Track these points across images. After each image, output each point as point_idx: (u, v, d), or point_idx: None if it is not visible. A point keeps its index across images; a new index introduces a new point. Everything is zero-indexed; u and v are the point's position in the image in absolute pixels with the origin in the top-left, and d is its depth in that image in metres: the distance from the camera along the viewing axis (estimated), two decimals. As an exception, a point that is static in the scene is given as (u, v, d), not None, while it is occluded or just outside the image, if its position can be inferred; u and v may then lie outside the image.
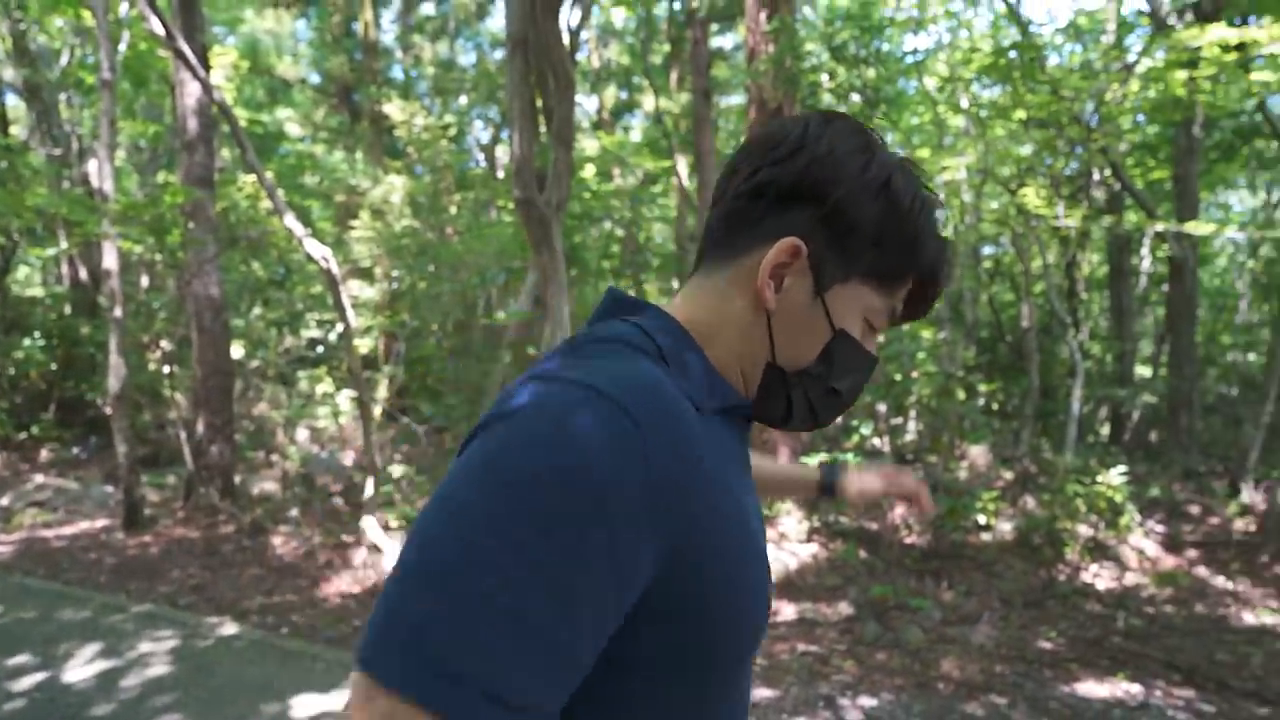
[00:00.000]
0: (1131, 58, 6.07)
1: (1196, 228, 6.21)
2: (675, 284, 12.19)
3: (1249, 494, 6.76)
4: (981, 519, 5.65)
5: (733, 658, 0.62)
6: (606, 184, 10.48)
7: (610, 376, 0.55)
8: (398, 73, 15.59)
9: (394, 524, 5.59)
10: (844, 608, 4.31)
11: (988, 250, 10.40)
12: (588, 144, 11.48)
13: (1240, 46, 4.09)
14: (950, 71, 6.54)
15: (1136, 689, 3.48)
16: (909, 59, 7.61)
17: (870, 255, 0.66)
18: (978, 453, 7.28)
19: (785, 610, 4.24)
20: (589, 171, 10.15)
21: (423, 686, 0.47)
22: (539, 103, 6.80)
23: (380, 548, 5.15)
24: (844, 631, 4.02)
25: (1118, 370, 9.66)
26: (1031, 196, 5.82)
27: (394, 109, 9.27)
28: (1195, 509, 6.46)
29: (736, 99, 13.33)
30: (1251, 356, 14.66)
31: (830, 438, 6.85)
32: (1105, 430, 10.23)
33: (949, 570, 5.02)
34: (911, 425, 8.01)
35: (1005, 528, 5.71)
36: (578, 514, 0.50)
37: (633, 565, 0.52)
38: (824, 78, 6.34)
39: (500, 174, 12.08)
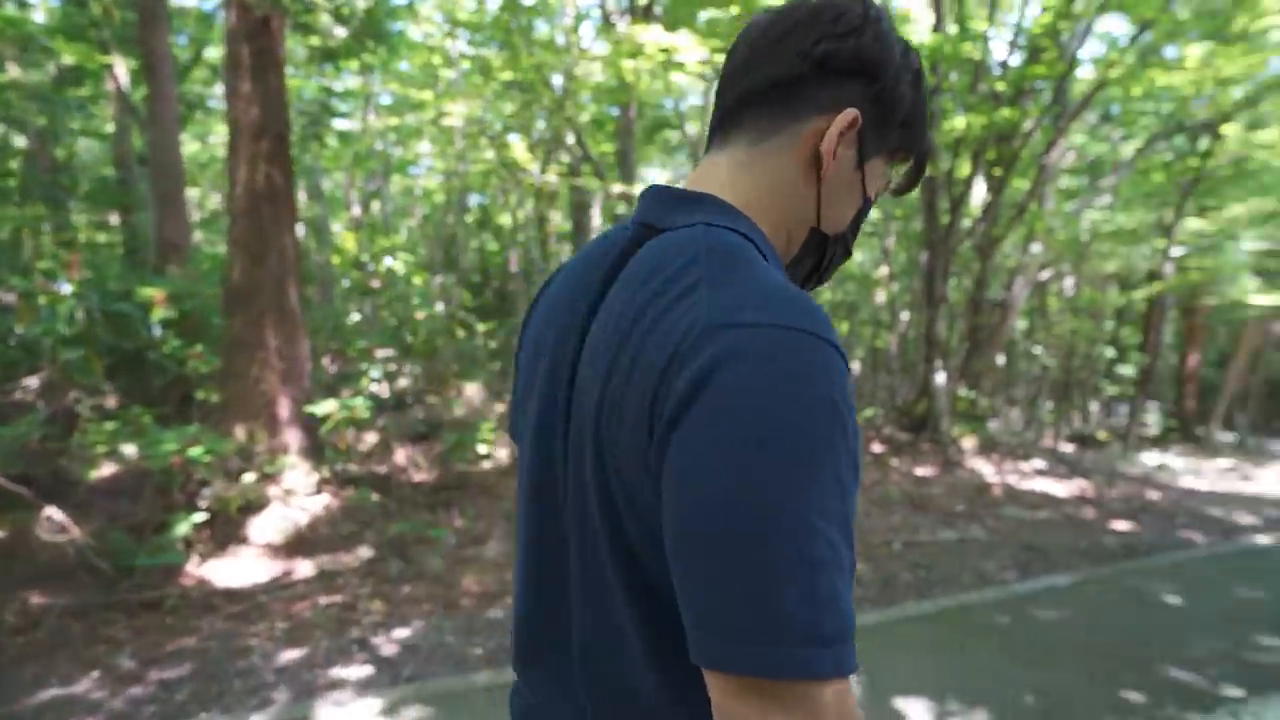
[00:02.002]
0: (586, 44, 7.14)
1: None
2: (115, 218, 9.88)
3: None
4: (482, 449, 6.17)
5: None
6: (-2, 73, 7.80)
7: (802, 310, 0.56)
8: None
9: None
10: (365, 552, 4.27)
11: (474, 200, 11.12)
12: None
13: (667, 50, 5.20)
14: (442, 23, 6.69)
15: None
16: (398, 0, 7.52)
17: (896, 133, 0.71)
18: (473, 390, 7.86)
19: (301, 567, 3.99)
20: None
21: (839, 662, 0.50)
22: None
23: None
24: (368, 575, 3.99)
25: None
26: (517, 151, 6.40)
27: None
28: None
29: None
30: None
31: (329, 386, 6.56)
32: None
33: (459, 499, 5.37)
34: (408, 368, 8.20)
35: (503, 454, 6.36)
36: (840, 455, 0.53)
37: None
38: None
39: None
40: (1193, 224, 11.26)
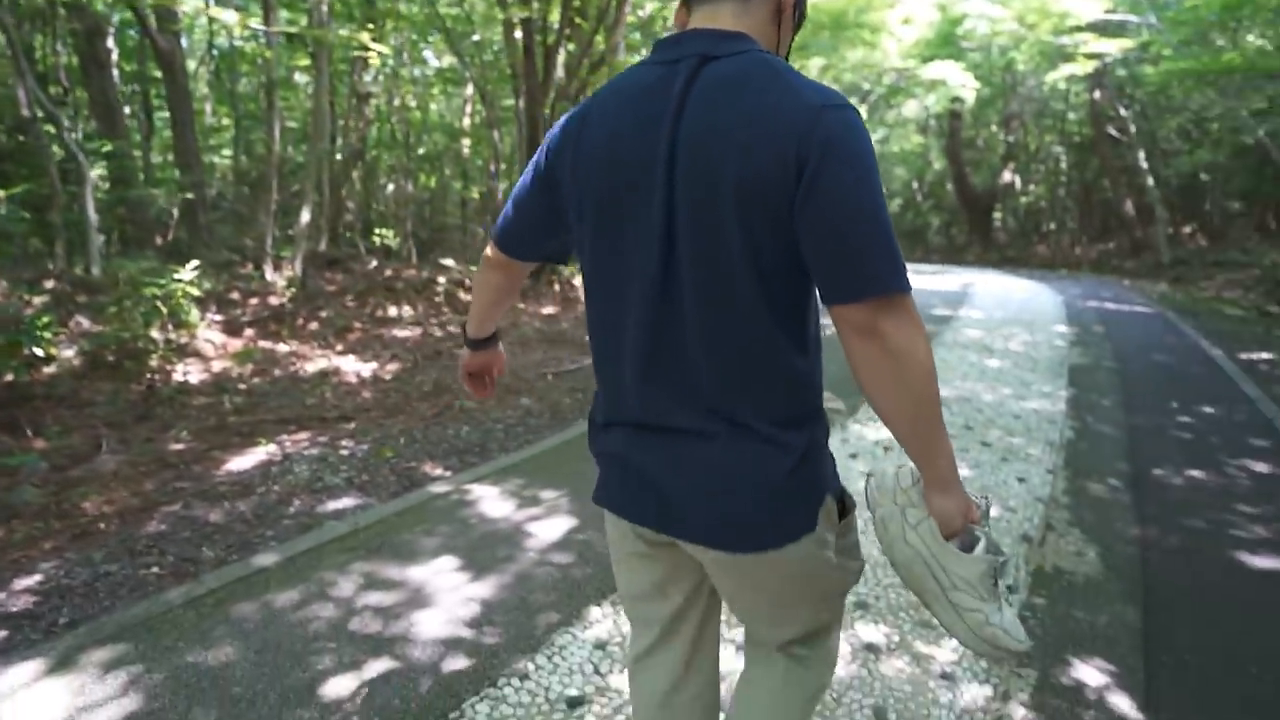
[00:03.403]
0: None
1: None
2: None
3: (271, 274, 7.86)
4: (39, 351, 4.83)
5: None
6: None
7: (841, 93, 0.94)
8: None
9: None
10: (-93, 506, 3.16)
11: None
12: None
13: None
14: None
15: (274, 448, 3.93)
16: None
17: None
18: (-9, 281, 5.96)
19: None
20: None
21: (905, 284, 0.91)
22: None
23: None
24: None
25: (118, 170, 9.16)
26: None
27: None
28: (235, 295, 7.12)
29: None
30: (219, 158, 16.08)
31: None
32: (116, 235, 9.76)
33: (29, 416, 4.21)
34: None
35: (69, 354, 5.07)
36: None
37: None
38: None
39: None
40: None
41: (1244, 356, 7.00)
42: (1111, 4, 15.01)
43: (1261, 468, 3.92)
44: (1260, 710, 2.02)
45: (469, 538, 2.88)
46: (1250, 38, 14.12)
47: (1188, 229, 19.98)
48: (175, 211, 9.13)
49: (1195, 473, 3.81)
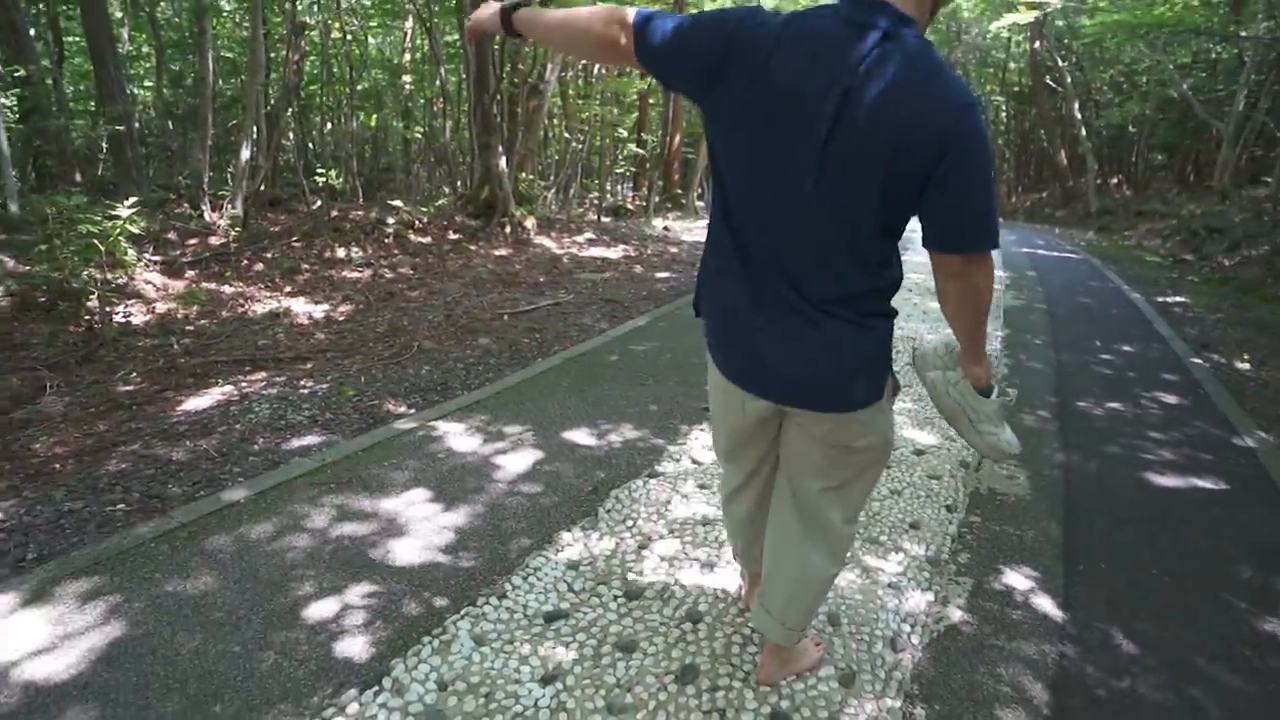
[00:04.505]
0: None
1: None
2: None
3: (210, 213, 7.55)
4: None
5: None
6: None
7: (971, 90, 1.18)
8: None
9: None
10: None
11: None
12: None
13: None
14: None
15: (230, 388, 3.88)
16: None
17: None
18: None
19: None
20: None
21: (995, 244, 1.22)
22: None
23: None
24: None
25: (31, 100, 8.55)
26: None
27: None
28: (173, 235, 6.84)
29: None
30: (140, 90, 15.08)
31: None
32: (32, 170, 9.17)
33: (-39, 358, 4.04)
34: None
35: (-3, 295, 4.84)
36: None
37: None
38: None
39: None
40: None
41: (1160, 300, 7.47)
42: (1053, -48, 15.14)
43: (1170, 399, 4.26)
44: (1160, 606, 2.29)
45: (438, 471, 2.95)
46: (1181, -10, 14.51)
47: (1115, 179, 20.77)
48: (104, 145, 8.61)
49: (1114, 404, 4.12)
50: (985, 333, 1.43)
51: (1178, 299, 7.63)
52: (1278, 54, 12.94)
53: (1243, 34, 13.53)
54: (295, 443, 3.22)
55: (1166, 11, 12.96)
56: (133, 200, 4.99)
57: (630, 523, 2.60)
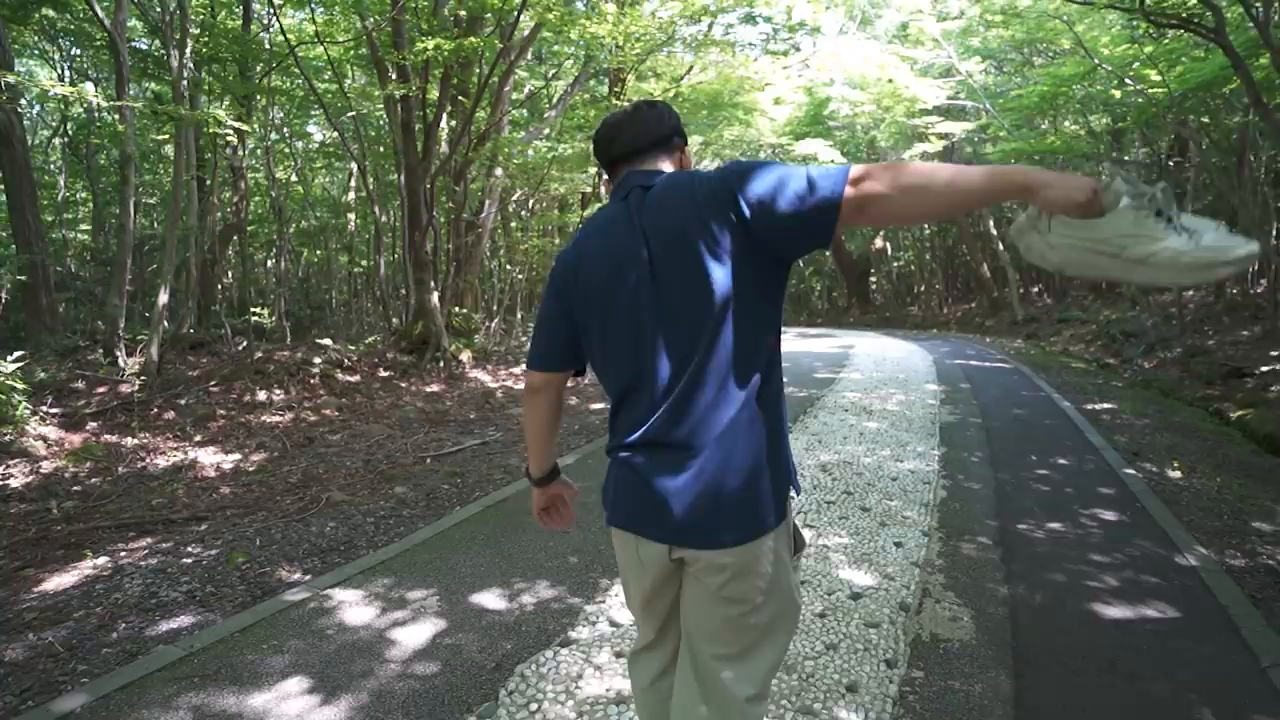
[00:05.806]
0: None
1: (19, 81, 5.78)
2: None
3: (124, 360, 7.23)
4: None
5: None
6: None
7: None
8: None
9: None
10: None
11: None
12: None
13: None
14: None
15: (104, 560, 3.49)
16: None
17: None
18: None
19: None
20: None
21: (845, 173, 1.15)
22: None
23: None
24: None
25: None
26: None
27: None
28: (81, 384, 6.49)
29: None
30: (78, 233, 14.95)
31: None
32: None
33: None
34: None
35: None
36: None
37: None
38: None
39: None
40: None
41: (1089, 407, 7.59)
42: (952, 91, 16.69)
43: (1110, 515, 4.17)
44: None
45: (322, 653, 2.61)
46: (1067, 124, 16.02)
47: (1035, 289, 21.92)
48: (3, 294, 8.31)
49: (1054, 525, 4.00)
50: (996, 172, 1.07)
51: (1105, 405, 7.78)
52: (1155, 176, 14.19)
53: (1125, 159, 14.89)
54: (163, 626, 2.85)
55: (1057, 140, 14.24)
56: (18, 354, 4.70)
57: (534, 706, 2.30)
